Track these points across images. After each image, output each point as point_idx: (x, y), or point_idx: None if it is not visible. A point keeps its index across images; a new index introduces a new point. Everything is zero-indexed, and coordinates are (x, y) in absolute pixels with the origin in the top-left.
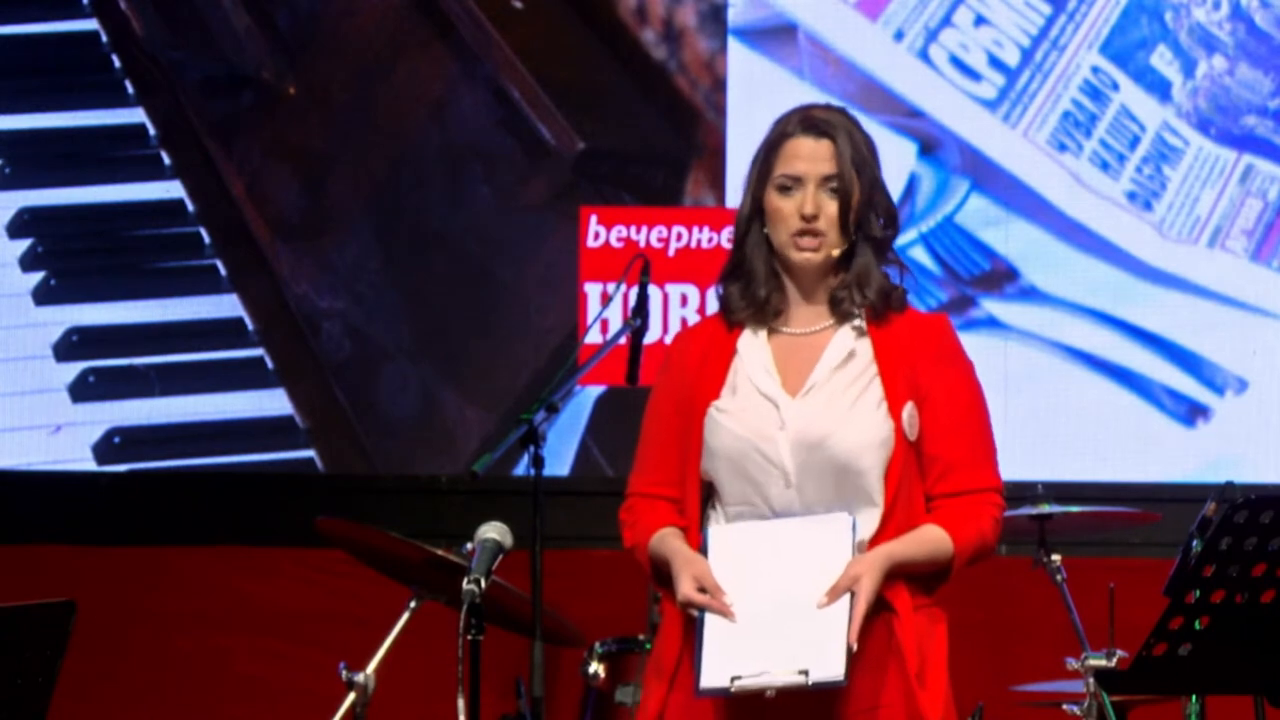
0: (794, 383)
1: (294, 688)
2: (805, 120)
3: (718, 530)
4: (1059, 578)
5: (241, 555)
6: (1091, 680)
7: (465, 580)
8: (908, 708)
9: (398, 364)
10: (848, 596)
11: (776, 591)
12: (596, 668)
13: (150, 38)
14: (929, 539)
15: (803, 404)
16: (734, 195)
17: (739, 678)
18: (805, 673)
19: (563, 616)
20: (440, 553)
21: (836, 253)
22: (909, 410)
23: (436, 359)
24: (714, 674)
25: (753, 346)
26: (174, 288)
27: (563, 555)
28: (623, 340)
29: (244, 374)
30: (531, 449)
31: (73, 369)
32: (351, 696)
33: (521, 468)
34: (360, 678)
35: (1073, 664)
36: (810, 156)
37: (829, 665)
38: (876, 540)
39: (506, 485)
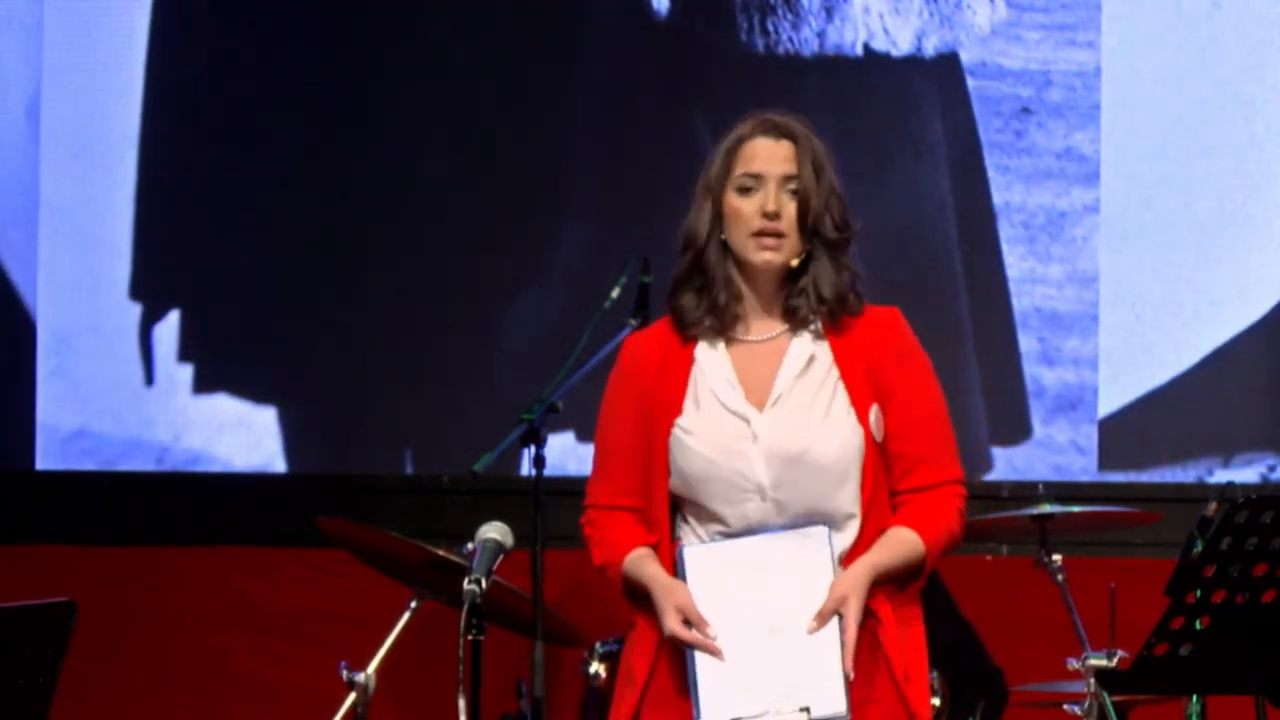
0: (757, 394)
1: (294, 688)
2: (764, 123)
3: (693, 551)
4: (1059, 578)
5: (241, 555)
6: (1092, 680)
7: (466, 580)
8: (899, 704)
9: (398, 363)
10: (836, 620)
11: (762, 615)
12: (597, 668)
13: None
14: (903, 542)
15: (773, 417)
16: None
17: (740, 719)
18: (806, 710)
19: (563, 616)
20: (441, 553)
21: (795, 262)
22: (875, 413)
23: (437, 358)
24: (713, 713)
25: (712, 358)
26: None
27: (563, 555)
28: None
29: (245, 373)
30: (532, 449)
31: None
32: (352, 696)
33: (523, 467)
34: (361, 678)
35: (1073, 664)
36: (770, 156)
37: (829, 700)
38: (855, 547)
39: (507, 485)
